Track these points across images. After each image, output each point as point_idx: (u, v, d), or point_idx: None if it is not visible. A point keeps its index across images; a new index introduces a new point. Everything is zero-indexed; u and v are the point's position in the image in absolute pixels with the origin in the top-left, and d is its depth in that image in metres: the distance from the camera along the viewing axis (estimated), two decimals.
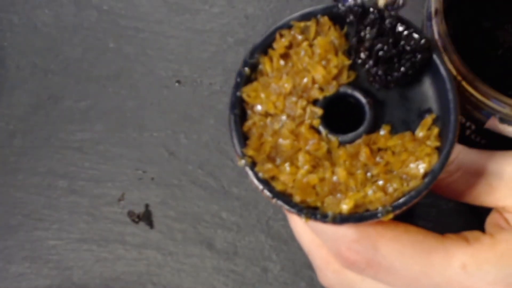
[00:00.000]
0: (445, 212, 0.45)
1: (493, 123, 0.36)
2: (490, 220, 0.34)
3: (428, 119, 0.29)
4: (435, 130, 0.29)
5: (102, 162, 0.50)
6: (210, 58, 0.51)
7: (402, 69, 0.29)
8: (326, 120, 0.29)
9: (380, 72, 0.29)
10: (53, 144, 0.50)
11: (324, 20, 0.30)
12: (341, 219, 0.28)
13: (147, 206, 0.48)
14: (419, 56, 0.29)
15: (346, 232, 0.30)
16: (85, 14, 0.52)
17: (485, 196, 0.33)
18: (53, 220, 0.49)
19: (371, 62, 0.29)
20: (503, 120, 0.35)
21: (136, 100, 0.51)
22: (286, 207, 0.29)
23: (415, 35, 0.29)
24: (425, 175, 0.28)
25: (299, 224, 0.35)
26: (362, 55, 0.29)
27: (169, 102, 0.50)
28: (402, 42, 0.29)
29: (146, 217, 0.48)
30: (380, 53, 0.29)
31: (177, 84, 0.51)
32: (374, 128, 0.29)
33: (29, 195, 0.49)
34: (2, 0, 0.53)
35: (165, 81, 0.51)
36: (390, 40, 0.29)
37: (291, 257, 0.47)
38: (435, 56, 0.29)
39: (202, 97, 0.50)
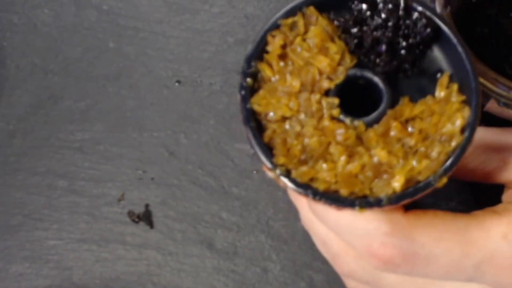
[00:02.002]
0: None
1: (493, 106, 0.36)
2: (507, 196, 0.33)
3: (444, 77, 0.28)
4: (455, 86, 0.28)
5: (102, 162, 0.50)
6: (210, 58, 0.51)
7: (405, 54, 0.29)
8: (343, 107, 0.29)
9: (384, 65, 0.29)
10: (53, 144, 0.50)
11: (310, 10, 0.29)
12: (396, 199, 0.27)
13: (147, 206, 0.48)
14: (421, 39, 0.28)
15: (378, 225, 0.29)
16: (85, 14, 0.52)
17: (499, 172, 0.33)
18: (53, 220, 0.49)
19: (373, 56, 0.29)
20: (506, 104, 0.35)
21: (136, 100, 0.51)
22: (336, 204, 0.27)
23: (416, 16, 0.28)
24: (462, 130, 0.28)
25: (312, 213, 0.33)
26: (364, 44, 0.29)
27: (169, 102, 0.50)
28: (404, 29, 0.28)
29: (146, 217, 0.48)
30: (383, 47, 0.28)
31: (177, 84, 0.51)
32: (393, 103, 0.29)
33: (29, 195, 0.49)
34: (2, 0, 0.53)
35: (165, 81, 0.51)
36: (390, 27, 0.28)
37: (291, 257, 0.47)
38: (441, 24, 0.28)
39: (202, 97, 0.50)
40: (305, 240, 0.46)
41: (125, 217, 0.48)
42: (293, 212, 0.47)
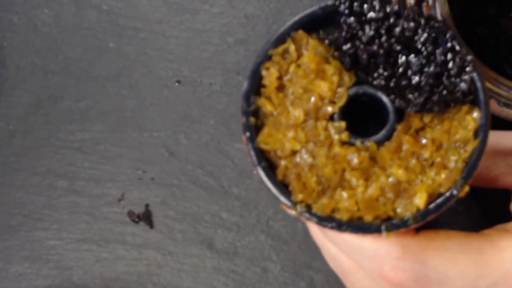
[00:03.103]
0: (445, 213, 0.45)
1: (493, 106, 0.36)
2: None
3: None
4: None
5: (102, 162, 0.50)
6: (210, 58, 0.51)
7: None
8: (350, 128, 0.28)
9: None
10: (53, 144, 0.50)
11: (299, 35, 0.28)
12: (422, 216, 0.27)
13: (147, 206, 0.48)
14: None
15: (388, 249, 0.28)
16: (85, 14, 0.52)
17: (505, 177, 0.32)
18: (53, 220, 0.49)
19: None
20: (506, 104, 0.35)
21: (136, 100, 0.51)
22: (362, 233, 0.27)
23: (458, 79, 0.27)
24: (476, 133, 0.27)
25: (321, 231, 0.32)
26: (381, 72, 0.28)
27: (169, 102, 0.50)
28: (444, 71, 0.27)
29: (146, 217, 0.48)
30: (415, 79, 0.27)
31: (177, 84, 0.51)
32: (399, 115, 0.28)
33: (29, 195, 0.49)
34: (2, 0, 0.53)
35: (165, 81, 0.51)
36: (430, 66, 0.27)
37: (291, 257, 0.47)
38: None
39: (202, 97, 0.50)
40: (305, 240, 0.46)
41: (125, 217, 0.48)
42: None
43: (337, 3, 0.28)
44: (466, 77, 0.27)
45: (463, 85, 0.27)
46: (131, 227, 0.48)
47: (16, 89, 0.51)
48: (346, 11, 0.28)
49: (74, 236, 0.48)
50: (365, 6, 0.27)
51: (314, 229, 0.34)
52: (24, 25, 0.53)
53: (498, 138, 0.33)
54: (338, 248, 0.31)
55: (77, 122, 0.50)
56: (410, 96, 0.27)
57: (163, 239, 0.48)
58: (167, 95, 0.51)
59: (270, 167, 0.28)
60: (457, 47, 0.27)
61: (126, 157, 0.49)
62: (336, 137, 0.27)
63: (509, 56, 0.39)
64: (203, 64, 0.51)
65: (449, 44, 0.27)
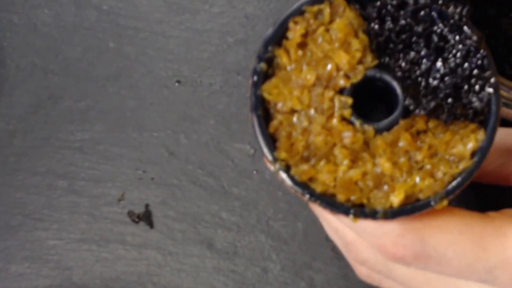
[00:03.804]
0: None
1: None
2: None
3: None
4: None
5: (102, 162, 0.50)
6: (210, 58, 0.51)
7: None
8: (355, 107, 0.27)
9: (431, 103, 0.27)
10: (53, 144, 0.50)
11: (339, 1, 0.28)
12: (392, 214, 0.26)
13: (147, 206, 0.48)
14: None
15: (390, 226, 0.28)
16: (85, 14, 0.52)
17: None
18: (53, 220, 0.49)
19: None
20: (506, 104, 0.35)
21: (136, 100, 0.51)
22: (330, 209, 0.27)
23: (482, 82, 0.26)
24: (473, 153, 0.27)
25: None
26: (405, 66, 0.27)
27: (169, 102, 0.50)
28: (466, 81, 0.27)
29: (146, 217, 0.48)
30: (435, 82, 0.27)
31: (177, 84, 0.51)
32: (407, 111, 0.27)
33: (29, 195, 0.49)
34: (2, 0, 0.53)
35: (165, 81, 0.51)
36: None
37: (291, 257, 0.47)
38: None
39: (202, 97, 0.50)
40: (305, 240, 0.46)
41: (125, 217, 0.48)
42: (293, 212, 0.47)
43: None
44: (484, 97, 0.27)
45: (478, 104, 0.27)
46: (131, 227, 0.48)
47: (16, 89, 0.51)
48: None
49: (74, 236, 0.48)
50: None
51: None
52: (24, 25, 0.53)
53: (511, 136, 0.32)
54: (340, 221, 0.31)
55: (77, 122, 0.50)
56: (423, 99, 0.27)
57: (163, 239, 0.48)
58: (167, 95, 0.51)
59: (265, 117, 0.28)
60: (486, 66, 0.27)
61: (126, 157, 0.50)
62: (338, 110, 0.27)
63: (509, 56, 0.39)
64: (203, 64, 0.51)
65: (479, 62, 0.27)
